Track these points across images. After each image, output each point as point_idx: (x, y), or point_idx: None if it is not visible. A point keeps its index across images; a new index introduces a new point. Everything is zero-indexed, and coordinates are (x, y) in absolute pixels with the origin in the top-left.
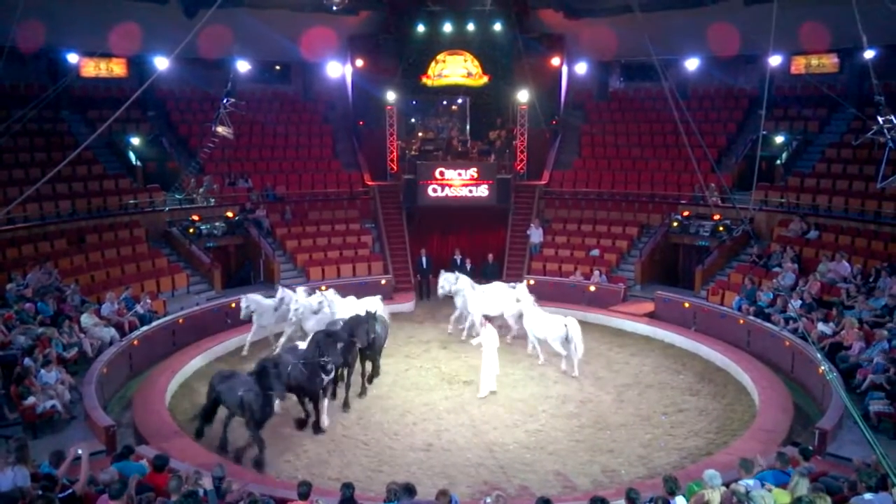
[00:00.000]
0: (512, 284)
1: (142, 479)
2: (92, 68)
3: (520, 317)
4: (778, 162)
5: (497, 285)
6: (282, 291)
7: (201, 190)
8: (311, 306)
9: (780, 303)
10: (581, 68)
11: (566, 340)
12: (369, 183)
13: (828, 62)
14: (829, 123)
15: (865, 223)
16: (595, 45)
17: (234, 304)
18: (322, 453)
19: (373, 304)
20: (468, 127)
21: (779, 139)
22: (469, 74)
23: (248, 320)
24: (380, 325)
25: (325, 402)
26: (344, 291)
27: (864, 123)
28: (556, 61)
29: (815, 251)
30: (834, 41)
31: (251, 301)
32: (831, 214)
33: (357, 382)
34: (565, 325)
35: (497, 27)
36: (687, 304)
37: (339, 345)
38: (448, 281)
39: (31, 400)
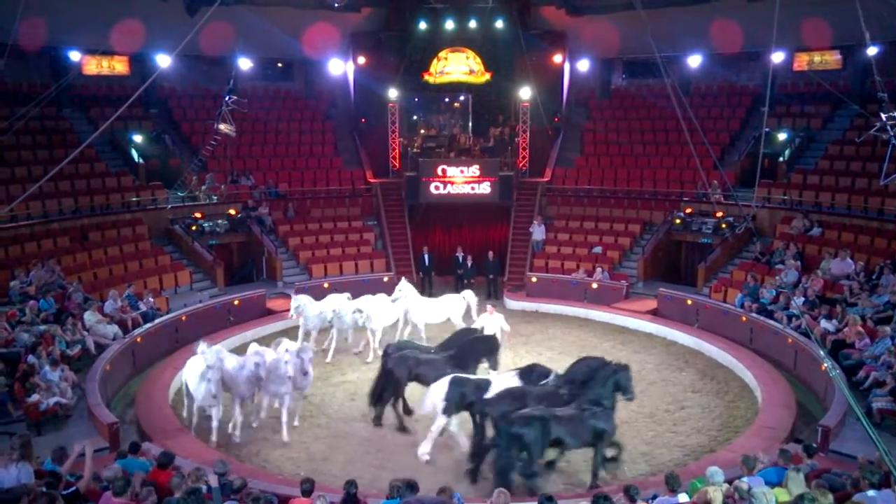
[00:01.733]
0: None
1: (145, 476)
2: (94, 66)
3: (406, 312)
4: (781, 159)
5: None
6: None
7: (204, 187)
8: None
9: (782, 300)
10: (583, 65)
11: (467, 314)
12: (371, 180)
13: (830, 59)
14: (832, 120)
15: (868, 220)
16: (597, 42)
17: (237, 302)
18: (325, 450)
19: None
20: (470, 124)
21: (781, 136)
22: (471, 71)
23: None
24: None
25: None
26: (347, 289)
27: (867, 120)
28: (558, 58)
29: (817, 248)
30: (836, 38)
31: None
32: (834, 211)
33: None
34: (464, 298)
35: (499, 24)
36: (689, 302)
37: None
38: (311, 304)
39: (34, 397)
